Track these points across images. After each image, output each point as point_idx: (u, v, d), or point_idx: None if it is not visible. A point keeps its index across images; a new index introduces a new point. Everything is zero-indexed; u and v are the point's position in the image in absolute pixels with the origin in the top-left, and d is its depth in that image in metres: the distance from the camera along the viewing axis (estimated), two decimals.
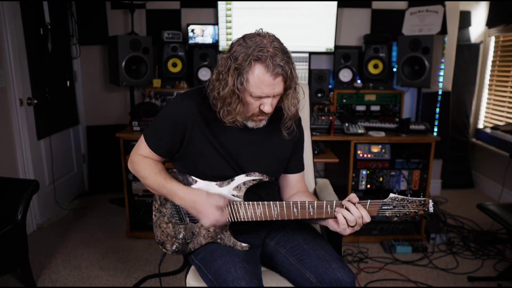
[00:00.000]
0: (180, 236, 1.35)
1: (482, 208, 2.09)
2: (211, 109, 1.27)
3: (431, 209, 1.15)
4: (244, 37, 1.18)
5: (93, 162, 3.57)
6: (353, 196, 1.20)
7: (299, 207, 1.22)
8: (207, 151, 1.29)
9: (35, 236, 2.75)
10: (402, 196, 1.16)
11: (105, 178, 3.55)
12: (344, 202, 1.20)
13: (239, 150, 1.31)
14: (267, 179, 1.29)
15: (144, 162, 1.35)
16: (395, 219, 1.18)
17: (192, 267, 1.40)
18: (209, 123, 1.29)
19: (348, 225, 1.18)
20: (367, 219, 1.18)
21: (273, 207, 1.23)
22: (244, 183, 1.28)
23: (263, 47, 1.13)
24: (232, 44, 1.20)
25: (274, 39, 1.17)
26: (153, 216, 1.41)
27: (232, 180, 1.29)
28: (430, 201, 1.15)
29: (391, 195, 1.17)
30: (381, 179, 2.64)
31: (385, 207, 1.18)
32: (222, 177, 1.30)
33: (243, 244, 1.30)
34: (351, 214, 1.17)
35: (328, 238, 1.50)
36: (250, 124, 1.27)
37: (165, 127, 1.31)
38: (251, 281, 1.17)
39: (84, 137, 3.55)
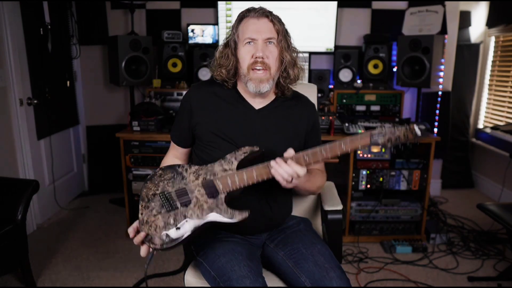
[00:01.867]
0: (171, 221, 1.22)
1: (482, 208, 2.09)
2: (223, 97, 1.37)
3: (418, 133, 1.15)
4: None
5: (93, 162, 3.57)
6: (288, 152, 1.21)
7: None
8: (216, 138, 1.32)
9: (35, 236, 2.75)
10: (391, 124, 1.18)
11: (105, 178, 3.55)
12: (278, 160, 1.19)
13: (252, 136, 1.33)
14: (257, 149, 1.25)
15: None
16: (389, 145, 1.17)
17: (191, 264, 1.40)
18: (218, 111, 1.35)
19: (286, 180, 1.19)
20: (301, 172, 1.18)
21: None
22: (235, 158, 1.24)
23: (250, 7, 1.32)
24: None
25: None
26: (139, 215, 1.26)
27: (223, 159, 1.26)
28: (415, 125, 1.16)
29: (381, 125, 1.19)
30: (381, 179, 2.64)
31: (377, 135, 1.17)
32: None
33: (243, 212, 1.21)
34: (284, 171, 1.17)
35: (329, 240, 1.49)
36: (250, 86, 1.30)
37: (179, 118, 1.42)
38: (255, 280, 1.17)
39: (84, 137, 3.55)
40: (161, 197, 1.27)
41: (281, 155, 1.31)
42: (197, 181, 1.24)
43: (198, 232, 1.22)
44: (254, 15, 1.29)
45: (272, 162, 1.19)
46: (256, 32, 1.27)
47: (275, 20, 1.30)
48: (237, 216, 1.21)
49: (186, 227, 1.22)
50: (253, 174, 1.21)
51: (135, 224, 1.24)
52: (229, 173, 1.22)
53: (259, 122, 1.35)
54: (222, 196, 1.22)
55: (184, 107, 1.39)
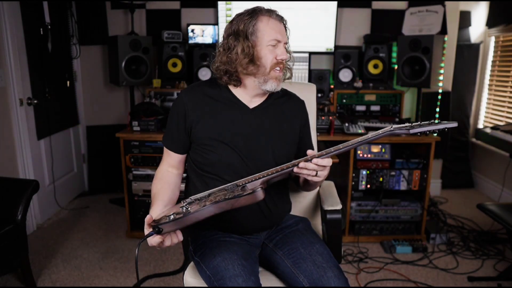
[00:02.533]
0: (186, 203, 1.19)
1: (482, 208, 2.10)
2: (215, 97, 1.35)
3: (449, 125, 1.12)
4: (237, 14, 1.32)
5: (93, 162, 3.57)
6: (309, 153, 1.18)
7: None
8: (213, 141, 1.31)
9: (35, 236, 2.75)
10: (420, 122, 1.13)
11: (105, 178, 3.55)
12: (301, 164, 1.17)
13: (248, 136, 1.32)
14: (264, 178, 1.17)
15: (155, 181, 1.41)
16: (412, 131, 1.13)
17: (190, 265, 1.40)
18: (213, 112, 1.33)
19: (311, 175, 1.19)
20: (327, 163, 1.17)
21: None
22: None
23: (261, 7, 1.31)
24: (227, 26, 1.32)
25: None
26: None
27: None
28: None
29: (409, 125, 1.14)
30: (381, 179, 2.64)
31: (398, 128, 1.13)
32: (230, 166, 1.30)
33: (256, 187, 1.15)
34: (308, 170, 1.17)
35: (328, 240, 1.49)
36: (270, 85, 1.30)
37: (172, 123, 1.39)
38: (248, 278, 1.17)
39: (84, 137, 3.55)
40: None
41: (278, 152, 1.35)
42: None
43: (205, 212, 1.11)
44: (276, 18, 1.30)
45: (296, 169, 1.17)
46: (281, 35, 1.29)
47: (287, 27, 1.34)
48: (247, 188, 1.15)
49: (194, 207, 1.15)
50: (274, 171, 1.18)
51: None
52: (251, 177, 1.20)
53: (255, 120, 1.35)
54: (239, 187, 1.18)
55: (177, 112, 1.36)
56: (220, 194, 1.17)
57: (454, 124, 1.10)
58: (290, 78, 1.41)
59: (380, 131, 1.15)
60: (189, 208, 1.13)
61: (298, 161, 1.18)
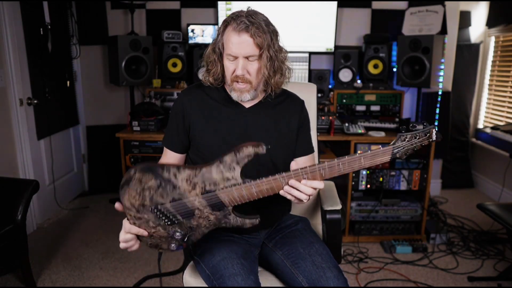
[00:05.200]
0: (177, 235, 1.16)
1: (482, 208, 2.10)
2: (213, 97, 1.37)
3: (434, 137, 1.12)
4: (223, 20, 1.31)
5: (93, 162, 3.57)
6: (293, 164, 1.15)
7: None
8: (210, 140, 1.32)
9: (35, 236, 2.75)
10: (410, 134, 1.11)
11: (105, 178, 3.55)
12: (291, 182, 1.11)
13: (245, 135, 1.32)
14: (263, 151, 1.11)
15: None
16: (404, 157, 1.14)
17: (190, 264, 1.40)
18: (210, 111, 1.35)
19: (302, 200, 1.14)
20: (320, 186, 1.12)
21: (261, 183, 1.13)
22: (236, 162, 1.11)
23: (237, 13, 1.26)
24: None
25: (254, 10, 1.29)
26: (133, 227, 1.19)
27: (221, 162, 1.11)
28: (434, 130, 1.11)
29: (400, 136, 1.12)
30: (381, 179, 2.64)
31: (396, 150, 1.13)
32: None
33: (253, 218, 1.16)
34: (300, 192, 1.11)
35: (328, 240, 1.49)
36: (234, 95, 1.31)
37: (171, 123, 1.40)
38: (247, 277, 1.17)
39: (84, 137, 3.55)
40: (155, 211, 1.14)
41: (275, 151, 1.32)
42: (194, 191, 1.11)
43: (206, 235, 1.20)
44: (236, 28, 1.21)
45: (286, 187, 1.11)
46: (236, 49, 1.22)
47: (256, 35, 1.20)
48: (248, 224, 1.16)
49: (196, 234, 1.19)
50: (263, 188, 1.11)
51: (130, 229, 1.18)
52: (233, 184, 1.11)
53: (251, 120, 1.35)
54: (229, 208, 1.14)
55: (176, 112, 1.38)
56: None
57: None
58: (289, 78, 1.38)
59: (380, 161, 1.15)
60: (193, 239, 1.20)
61: (289, 175, 1.10)
